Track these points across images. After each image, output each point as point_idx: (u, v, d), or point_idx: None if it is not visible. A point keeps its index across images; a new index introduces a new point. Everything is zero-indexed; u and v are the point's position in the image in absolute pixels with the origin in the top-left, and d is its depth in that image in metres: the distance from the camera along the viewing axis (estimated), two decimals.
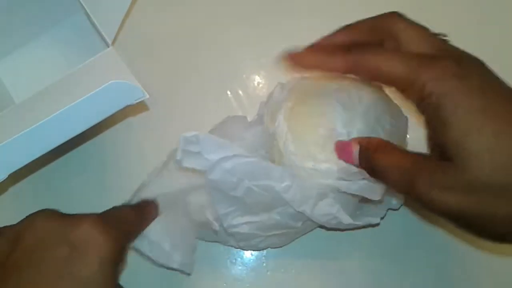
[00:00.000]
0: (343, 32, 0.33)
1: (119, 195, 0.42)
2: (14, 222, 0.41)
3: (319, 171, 0.34)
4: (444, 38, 0.31)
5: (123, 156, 0.43)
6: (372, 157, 0.31)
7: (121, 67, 0.36)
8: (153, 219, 0.37)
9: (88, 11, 0.38)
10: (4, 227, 0.32)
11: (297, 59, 0.32)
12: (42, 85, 0.39)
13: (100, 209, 0.41)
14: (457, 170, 0.27)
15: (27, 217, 0.31)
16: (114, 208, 0.35)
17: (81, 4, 0.38)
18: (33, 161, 0.32)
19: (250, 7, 0.45)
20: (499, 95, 0.28)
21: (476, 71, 0.28)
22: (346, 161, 0.33)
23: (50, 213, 0.32)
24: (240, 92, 0.43)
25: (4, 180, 0.32)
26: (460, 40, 0.31)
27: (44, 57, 0.43)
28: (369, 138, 0.32)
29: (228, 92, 0.43)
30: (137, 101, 0.33)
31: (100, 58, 0.39)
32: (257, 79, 0.44)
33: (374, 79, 0.31)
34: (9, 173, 0.32)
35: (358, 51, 0.30)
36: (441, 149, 0.28)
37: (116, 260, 0.31)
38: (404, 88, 0.29)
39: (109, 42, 0.38)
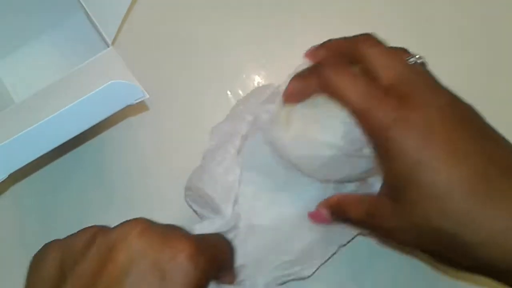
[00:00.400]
0: (322, 49, 0.35)
1: (119, 195, 0.42)
2: (14, 222, 0.42)
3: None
4: (416, 60, 0.32)
5: (123, 156, 0.43)
6: (341, 216, 0.34)
7: (121, 67, 0.36)
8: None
9: (88, 11, 0.38)
10: (99, 229, 0.28)
11: (289, 97, 0.35)
12: (42, 85, 0.39)
13: (100, 209, 0.41)
14: (405, 213, 0.29)
15: (121, 225, 0.28)
16: (214, 235, 0.33)
17: (81, 4, 0.38)
18: (33, 161, 0.32)
19: (250, 7, 0.45)
20: (445, 140, 0.28)
21: (424, 113, 0.29)
22: (323, 223, 0.36)
23: (145, 227, 0.28)
24: (240, 92, 0.43)
25: (4, 180, 0.32)
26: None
27: (44, 57, 0.43)
28: (330, 199, 0.35)
29: (228, 92, 0.43)
30: (137, 101, 0.33)
31: (100, 58, 0.39)
32: (257, 79, 0.44)
33: (337, 100, 0.32)
34: (9, 173, 0.32)
35: (326, 69, 0.32)
36: (389, 188, 0.30)
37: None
38: (359, 119, 0.31)
39: (109, 42, 0.38)
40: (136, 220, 0.28)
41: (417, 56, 0.32)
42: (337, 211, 0.34)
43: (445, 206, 0.27)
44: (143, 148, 0.43)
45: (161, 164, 0.42)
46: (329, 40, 0.35)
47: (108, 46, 0.39)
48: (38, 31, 0.43)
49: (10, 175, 0.32)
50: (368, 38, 0.33)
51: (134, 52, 0.43)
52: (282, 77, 0.43)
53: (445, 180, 0.27)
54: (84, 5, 0.38)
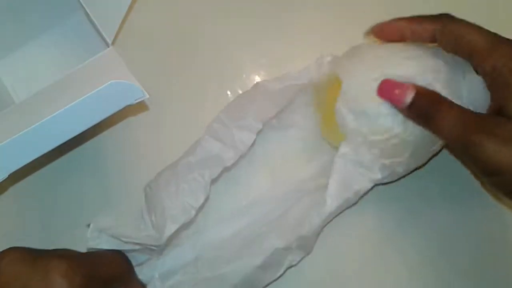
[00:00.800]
0: (403, 20, 0.35)
1: (119, 195, 0.42)
2: (14, 222, 0.42)
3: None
4: None
5: (123, 156, 0.43)
6: (432, 113, 0.31)
7: (121, 67, 0.36)
8: None
9: (88, 11, 0.38)
10: None
11: (380, 29, 0.35)
12: (42, 85, 0.39)
13: (99, 209, 0.41)
14: None
15: None
16: (100, 251, 0.34)
17: (81, 4, 0.38)
18: (33, 161, 0.32)
19: (250, 7, 0.45)
20: None
21: None
22: (392, 102, 0.33)
23: (18, 254, 0.30)
24: (240, 92, 0.43)
25: (4, 180, 0.32)
26: None
27: (44, 57, 0.43)
28: (426, 89, 0.32)
29: (228, 92, 0.43)
30: (137, 101, 0.33)
31: (100, 58, 0.39)
32: (257, 79, 0.44)
33: (456, 46, 0.33)
34: (9, 173, 0.32)
35: (447, 18, 0.33)
36: (499, 111, 0.31)
37: None
38: (481, 59, 0.31)
39: (109, 42, 0.38)
40: (9, 249, 0.30)
41: None
42: (425, 102, 0.32)
43: None
44: (143, 148, 0.43)
45: (161, 164, 0.42)
46: (397, 19, 0.35)
47: (108, 46, 0.39)
48: (38, 31, 0.43)
49: (10, 175, 0.32)
50: (453, 16, 0.33)
51: (134, 52, 0.43)
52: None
53: None
54: (84, 5, 0.38)
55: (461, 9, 0.35)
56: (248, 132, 0.36)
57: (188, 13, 0.45)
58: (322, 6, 0.45)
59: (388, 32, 0.35)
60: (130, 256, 0.36)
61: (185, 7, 0.45)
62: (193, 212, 0.35)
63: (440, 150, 0.38)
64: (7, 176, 0.32)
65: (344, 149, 0.36)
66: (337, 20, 0.45)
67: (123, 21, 0.40)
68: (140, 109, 0.43)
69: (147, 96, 0.33)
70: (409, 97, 0.32)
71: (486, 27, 0.32)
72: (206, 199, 0.36)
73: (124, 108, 0.33)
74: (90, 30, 0.42)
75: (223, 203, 0.40)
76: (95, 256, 0.33)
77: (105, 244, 0.35)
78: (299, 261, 0.38)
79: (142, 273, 0.38)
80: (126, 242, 0.35)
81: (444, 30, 0.33)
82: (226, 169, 0.36)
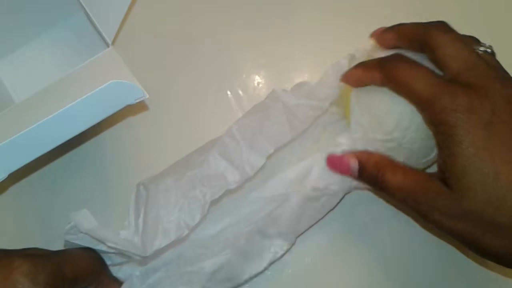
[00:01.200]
0: (391, 32, 0.35)
1: (119, 195, 0.42)
2: (14, 222, 0.42)
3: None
4: (486, 50, 0.32)
5: (123, 156, 0.42)
6: (380, 177, 0.32)
7: (121, 67, 0.36)
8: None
9: (88, 11, 0.38)
10: None
11: (346, 78, 0.36)
12: (42, 85, 0.39)
13: (99, 209, 0.41)
14: (456, 199, 0.29)
15: None
16: (68, 249, 0.34)
17: (81, 4, 0.38)
18: (33, 161, 0.32)
19: (250, 7, 0.45)
20: (508, 131, 0.28)
21: (489, 103, 0.29)
22: (341, 173, 0.35)
23: None
24: (240, 92, 0.43)
25: (4, 180, 0.32)
26: None
27: (44, 57, 0.43)
28: (367, 152, 0.34)
29: (228, 92, 0.43)
30: (137, 101, 0.33)
31: (100, 58, 0.39)
32: (257, 79, 0.44)
33: (400, 92, 0.32)
34: (9, 173, 0.32)
35: (391, 63, 0.32)
36: (444, 174, 0.30)
37: None
38: (423, 108, 0.31)
39: (109, 42, 0.38)
40: None
41: (487, 45, 0.32)
42: (371, 169, 0.33)
43: (505, 198, 0.28)
44: (143, 148, 0.43)
45: (160, 164, 0.42)
46: (399, 24, 0.35)
47: (108, 46, 0.39)
48: (38, 31, 0.43)
49: (10, 175, 0.32)
50: (440, 25, 0.33)
51: (134, 52, 0.43)
52: (282, 77, 0.44)
53: (503, 177, 0.28)
54: (84, 5, 0.38)
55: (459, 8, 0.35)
56: (258, 155, 0.35)
57: (188, 13, 0.45)
58: (322, 6, 0.45)
59: (351, 80, 0.36)
60: (106, 255, 0.36)
61: (185, 7, 0.45)
62: (186, 231, 0.34)
63: (434, 163, 0.37)
64: (7, 176, 0.32)
65: (341, 139, 0.36)
66: (337, 20, 0.45)
67: (123, 21, 0.40)
68: (140, 109, 0.43)
69: (147, 96, 0.33)
70: (354, 166, 0.34)
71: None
72: (202, 219, 0.34)
73: (124, 108, 0.33)
74: (90, 30, 0.42)
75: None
76: (63, 255, 0.33)
77: (82, 241, 0.34)
78: (283, 254, 0.37)
79: (121, 271, 0.37)
80: (105, 245, 0.34)
81: (388, 78, 0.32)
82: (229, 192, 0.35)
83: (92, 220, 0.35)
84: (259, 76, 0.44)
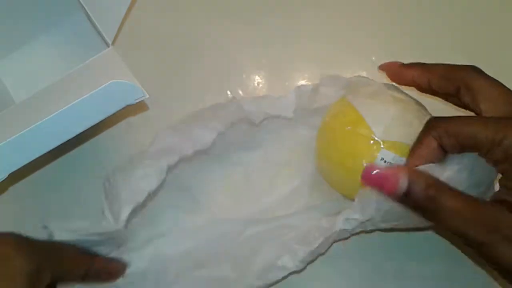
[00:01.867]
0: (418, 70, 0.33)
1: None
2: (14, 222, 0.42)
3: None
4: None
5: (123, 156, 0.42)
6: (434, 201, 0.27)
7: (121, 67, 0.36)
8: (110, 277, 0.36)
9: (88, 11, 0.38)
10: None
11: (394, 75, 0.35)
12: (42, 85, 0.39)
13: (99, 208, 0.41)
14: None
15: None
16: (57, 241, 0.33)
17: (81, 4, 0.38)
18: (33, 161, 0.32)
19: (250, 7, 0.45)
20: None
21: None
22: (385, 192, 0.28)
23: None
24: (240, 92, 0.43)
25: (4, 180, 0.32)
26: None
27: (44, 57, 0.43)
28: (421, 173, 0.29)
29: (228, 92, 0.43)
30: (137, 101, 0.33)
31: (100, 58, 0.39)
32: (257, 79, 0.44)
33: (459, 146, 0.30)
34: (9, 172, 0.32)
35: (442, 122, 0.30)
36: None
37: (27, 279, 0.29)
38: (488, 149, 0.29)
39: (109, 42, 0.38)
40: None
41: None
42: (423, 190, 0.27)
43: None
44: (143, 148, 0.42)
45: None
46: (420, 63, 0.34)
47: (108, 46, 0.39)
48: (38, 31, 0.43)
49: (10, 175, 0.32)
50: (475, 68, 0.32)
51: (134, 52, 0.43)
52: (282, 77, 0.44)
53: None
54: (84, 5, 0.38)
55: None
56: (209, 131, 0.36)
57: (188, 13, 0.45)
58: (323, 7, 0.45)
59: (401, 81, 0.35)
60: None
61: (185, 7, 0.45)
62: (146, 194, 0.34)
63: None
64: (7, 176, 0.32)
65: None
66: (337, 22, 0.45)
67: (123, 21, 0.40)
68: (140, 109, 0.43)
69: (147, 96, 0.33)
70: (403, 185, 0.27)
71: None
72: (162, 184, 0.35)
73: (124, 108, 0.33)
74: (90, 30, 0.42)
75: (180, 219, 0.40)
76: (51, 245, 0.32)
77: (65, 235, 0.34)
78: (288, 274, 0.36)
79: None
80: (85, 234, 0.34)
81: (445, 135, 0.30)
82: (184, 159, 0.36)
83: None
84: (259, 76, 0.44)
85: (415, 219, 0.30)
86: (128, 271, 0.37)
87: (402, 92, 0.36)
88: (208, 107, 0.38)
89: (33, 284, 0.29)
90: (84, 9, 0.38)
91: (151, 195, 0.35)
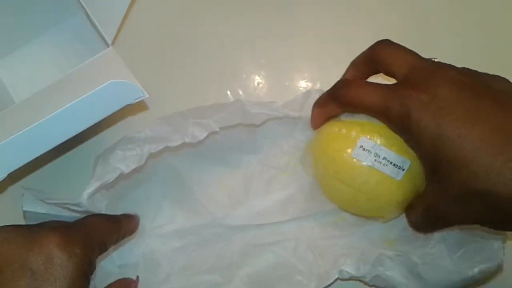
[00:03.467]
0: (348, 73, 0.36)
1: None
2: (14, 222, 0.42)
3: None
4: (431, 58, 0.33)
5: None
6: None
7: (121, 67, 0.36)
8: (131, 233, 0.37)
9: (88, 11, 0.38)
10: None
11: (313, 124, 0.37)
12: (42, 85, 0.39)
13: None
14: (444, 190, 0.30)
15: None
16: (87, 217, 0.34)
17: (81, 4, 0.38)
18: (33, 160, 0.32)
19: (250, 7, 0.45)
20: (453, 111, 0.29)
21: (431, 92, 0.30)
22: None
23: (10, 232, 0.30)
24: (240, 92, 0.43)
25: (3, 179, 0.32)
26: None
27: (44, 57, 0.43)
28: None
29: (228, 92, 0.43)
30: (137, 101, 0.33)
31: (100, 58, 0.39)
32: (257, 79, 0.44)
33: (362, 111, 0.34)
34: (8, 172, 0.32)
35: (341, 90, 0.34)
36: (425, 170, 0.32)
37: (84, 275, 0.30)
38: (385, 116, 0.32)
39: (109, 42, 0.38)
40: (1, 227, 0.30)
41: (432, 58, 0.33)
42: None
43: (473, 167, 0.28)
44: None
45: None
46: (352, 61, 0.36)
47: (108, 46, 0.39)
48: (38, 31, 0.43)
49: (10, 175, 0.32)
50: (382, 41, 0.34)
51: (134, 52, 0.43)
52: (282, 77, 0.44)
53: (467, 142, 0.28)
54: (84, 5, 0.38)
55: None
56: (202, 128, 0.36)
57: (188, 13, 0.45)
58: (323, 7, 0.45)
59: (317, 123, 0.37)
60: None
61: (185, 7, 0.45)
62: (118, 172, 0.34)
63: None
64: (6, 175, 0.32)
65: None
66: (337, 20, 0.45)
67: (123, 21, 0.40)
68: (140, 109, 0.43)
69: (147, 95, 0.33)
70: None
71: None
72: (141, 168, 0.35)
73: (124, 107, 0.33)
74: (90, 30, 0.42)
75: (177, 215, 0.40)
76: (86, 223, 0.33)
77: (40, 208, 0.34)
78: None
79: (102, 267, 0.38)
80: (52, 204, 0.34)
81: (343, 105, 0.34)
82: (169, 149, 0.36)
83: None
84: (259, 76, 0.44)
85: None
86: (119, 263, 0.38)
87: None
88: (210, 105, 0.38)
89: (86, 275, 0.30)
90: (84, 9, 0.38)
91: (127, 176, 0.35)
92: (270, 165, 0.41)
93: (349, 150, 0.34)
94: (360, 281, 0.38)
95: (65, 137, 0.32)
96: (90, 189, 0.34)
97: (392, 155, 0.34)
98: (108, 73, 0.36)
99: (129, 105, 0.33)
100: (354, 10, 0.45)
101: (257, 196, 0.40)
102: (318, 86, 0.43)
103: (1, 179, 0.32)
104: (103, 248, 0.33)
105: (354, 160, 0.34)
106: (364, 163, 0.34)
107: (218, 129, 0.36)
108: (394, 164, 0.34)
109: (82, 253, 0.30)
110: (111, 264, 0.38)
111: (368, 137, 0.34)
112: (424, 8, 0.45)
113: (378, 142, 0.34)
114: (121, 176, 0.34)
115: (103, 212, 0.35)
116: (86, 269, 0.30)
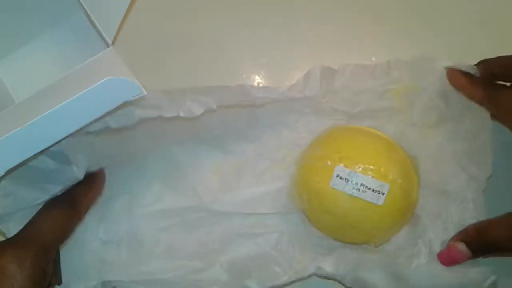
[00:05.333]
0: (481, 65, 0.37)
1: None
2: None
3: None
4: None
5: None
6: (486, 239, 0.34)
7: (121, 67, 0.36)
8: (102, 189, 0.38)
9: (88, 11, 0.38)
10: None
11: (451, 77, 0.38)
12: (42, 85, 0.39)
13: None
14: None
15: None
16: (38, 218, 0.34)
17: (81, 4, 0.38)
18: (30, 158, 0.32)
19: (250, 7, 0.45)
20: None
21: None
22: (460, 262, 0.35)
23: None
24: None
25: (1, 176, 0.32)
26: None
27: (44, 57, 0.43)
28: (461, 232, 0.36)
29: None
30: (135, 98, 0.33)
31: (100, 58, 0.39)
32: (257, 79, 0.44)
33: (502, 115, 0.35)
34: (6, 169, 0.32)
35: (493, 88, 0.35)
36: None
37: (37, 284, 0.31)
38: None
39: (109, 42, 0.38)
40: None
41: None
42: (477, 239, 0.34)
43: None
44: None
45: None
46: (483, 60, 0.37)
47: (108, 46, 0.39)
48: (38, 31, 0.43)
49: (7, 172, 0.32)
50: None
51: (134, 52, 0.43)
52: (282, 77, 0.44)
53: None
54: (84, 5, 0.38)
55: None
56: (199, 103, 0.36)
57: (188, 13, 0.45)
58: (323, 7, 0.45)
59: (455, 82, 0.38)
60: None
61: (185, 7, 0.45)
62: (105, 125, 0.34)
63: None
64: (4, 172, 0.32)
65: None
66: (337, 22, 0.45)
67: (123, 21, 0.40)
68: None
69: (145, 93, 0.33)
70: (463, 249, 0.34)
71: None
72: (130, 130, 0.36)
73: (122, 105, 0.33)
74: (90, 30, 0.42)
75: (164, 194, 0.40)
76: (38, 227, 0.33)
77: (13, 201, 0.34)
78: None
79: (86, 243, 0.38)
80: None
81: (490, 98, 0.36)
82: (163, 119, 0.36)
83: None
84: (259, 76, 0.44)
85: None
86: (104, 238, 0.38)
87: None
88: (215, 86, 0.38)
89: (40, 283, 0.31)
90: (84, 9, 0.38)
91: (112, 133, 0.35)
92: (265, 156, 0.41)
93: (328, 181, 0.35)
94: (339, 282, 0.37)
95: (62, 134, 0.32)
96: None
97: (369, 180, 0.34)
98: (108, 73, 0.36)
99: (127, 102, 0.33)
100: (354, 11, 0.45)
101: (247, 185, 0.40)
102: None
103: None
104: (59, 245, 0.34)
105: (334, 190, 0.34)
106: (343, 192, 0.34)
107: (215, 107, 0.36)
108: (373, 190, 0.34)
109: (32, 265, 0.31)
110: (96, 239, 0.38)
111: (343, 165, 0.34)
112: (424, 8, 0.45)
113: (354, 169, 0.34)
114: (107, 131, 0.34)
115: (80, 164, 0.35)
116: (38, 277, 0.31)
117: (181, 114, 0.36)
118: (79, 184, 0.36)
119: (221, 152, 0.41)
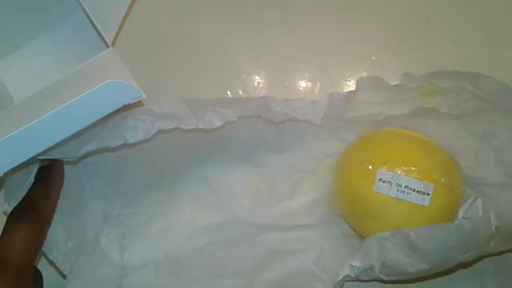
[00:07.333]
0: None
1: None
2: None
3: None
4: None
5: None
6: None
7: (120, 68, 0.36)
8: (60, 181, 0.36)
9: (88, 11, 0.38)
10: None
11: None
12: (42, 85, 0.39)
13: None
14: None
15: None
16: (5, 238, 0.32)
17: (81, 4, 0.38)
18: (29, 160, 0.32)
19: (250, 7, 0.45)
20: None
21: None
22: None
23: None
24: (240, 92, 0.43)
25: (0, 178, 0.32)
26: None
27: (44, 57, 0.43)
28: None
29: (228, 92, 0.43)
30: (134, 101, 0.33)
31: (100, 58, 0.39)
32: (257, 79, 0.44)
33: None
34: (5, 170, 0.32)
35: None
36: None
37: None
38: None
39: (109, 42, 0.38)
40: None
41: None
42: None
43: None
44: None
45: None
46: None
47: (108, 47, 0.39)
48: (38, 31, 0.43)
49: (5, 174, 0.32)
50: None
51: (134, 53, 0.44)
52: (282, 77, 0.44)
53: None
54: (84, 5, 0.38)
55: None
56: (220, 117, 0.35)
57: (188, 13, 0.45)
58: (323, 8, 0.45)
59: None
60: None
61: (185, 7, 0.45)
62: (122, 141, 0.34)
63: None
64: (2, 174, 0.32)
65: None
66: (337, 22, 0.45)
67: (123, 22, 0.40)
68: None
69: (144, 96, 0.33)
70: None
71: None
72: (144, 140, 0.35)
73: (121, 108, 0.33)
74: (90, 30, 0.42)
75: (199, 211, 0.39)
76: (7, 249, 0.32)
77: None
78: None
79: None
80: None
81: None
82: (180, 130, 0.35)
83: None
84: (259, 76, 0.44)
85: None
86: (140, 262, 0.38)
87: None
88: (237, 98, 0.38)
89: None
90: (84, 9, 0.38)
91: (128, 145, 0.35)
92: (297, 168, 0.40)
93: (371, 185, 0.34)
94: (374, 280, 0.36)
95: (61, 136, 0.32)
96: (89, 147, 0.34)
97: (413, 182, 0.33)
98: (108, 74, 0.36)
99: (126, 105, 0.33)
100: (354, 11, 0.45)
101: (282, 198, 0.40)
102: (318, 86, 0.43)
103: None
104: (36, 257, 0.33)
105: (378, 194, 0.34)
106: (387, 195, 0.33)
107: (236, 119, 0.35)
108: (417, 191, 0.33)
109: (15, 282, 0.30)
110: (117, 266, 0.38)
111: (385, 168, 0.34)
112: (424, 8, 0.45)
113: (397, 172, 0.33)
114: (124, 145, 0.34)
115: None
116: None
117: (201, 126, 0.35)
118: (34, 185, 0.34)
119: (252, 167, 0.40)
